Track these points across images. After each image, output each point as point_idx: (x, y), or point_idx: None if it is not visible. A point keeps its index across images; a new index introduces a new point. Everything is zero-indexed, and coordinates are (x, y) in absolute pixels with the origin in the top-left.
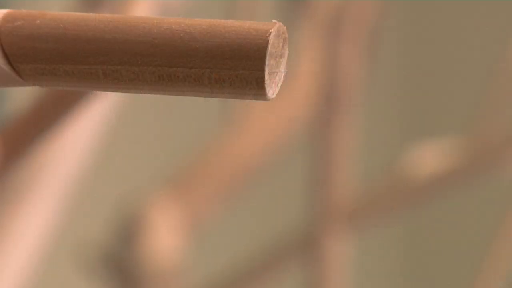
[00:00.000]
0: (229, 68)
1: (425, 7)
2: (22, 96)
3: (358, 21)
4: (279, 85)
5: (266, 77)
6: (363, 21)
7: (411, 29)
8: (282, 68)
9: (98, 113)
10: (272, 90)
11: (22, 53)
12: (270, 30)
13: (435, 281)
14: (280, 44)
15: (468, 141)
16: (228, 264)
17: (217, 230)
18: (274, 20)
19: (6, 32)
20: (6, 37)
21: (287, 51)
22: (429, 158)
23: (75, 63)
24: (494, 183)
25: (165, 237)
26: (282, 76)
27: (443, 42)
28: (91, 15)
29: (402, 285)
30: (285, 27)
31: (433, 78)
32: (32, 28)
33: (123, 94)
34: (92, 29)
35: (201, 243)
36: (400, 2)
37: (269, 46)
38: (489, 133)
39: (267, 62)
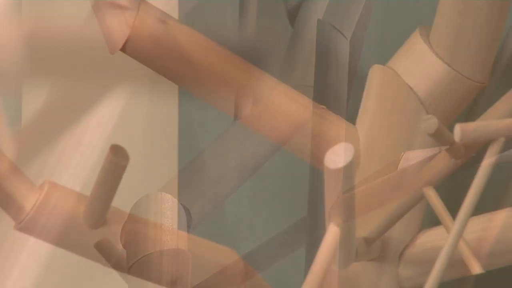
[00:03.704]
0: None
1: (405, 21)
2: (34, 98)
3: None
4: None
5: None
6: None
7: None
8: None
9: (107, 112)
10: None
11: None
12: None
13: None
14: None
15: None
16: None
17: (217, 226)
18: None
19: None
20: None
21: None
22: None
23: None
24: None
25: (171, 231)
26: None
27: None
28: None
29: None
30: None
31: None
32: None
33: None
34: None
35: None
36: (381, 19)
37: None
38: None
39: None
